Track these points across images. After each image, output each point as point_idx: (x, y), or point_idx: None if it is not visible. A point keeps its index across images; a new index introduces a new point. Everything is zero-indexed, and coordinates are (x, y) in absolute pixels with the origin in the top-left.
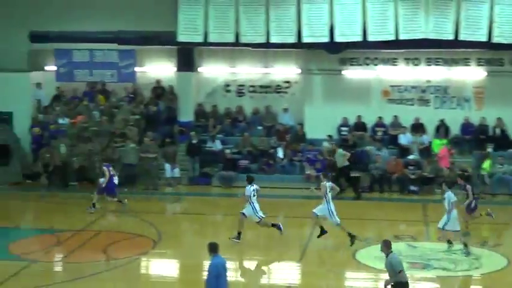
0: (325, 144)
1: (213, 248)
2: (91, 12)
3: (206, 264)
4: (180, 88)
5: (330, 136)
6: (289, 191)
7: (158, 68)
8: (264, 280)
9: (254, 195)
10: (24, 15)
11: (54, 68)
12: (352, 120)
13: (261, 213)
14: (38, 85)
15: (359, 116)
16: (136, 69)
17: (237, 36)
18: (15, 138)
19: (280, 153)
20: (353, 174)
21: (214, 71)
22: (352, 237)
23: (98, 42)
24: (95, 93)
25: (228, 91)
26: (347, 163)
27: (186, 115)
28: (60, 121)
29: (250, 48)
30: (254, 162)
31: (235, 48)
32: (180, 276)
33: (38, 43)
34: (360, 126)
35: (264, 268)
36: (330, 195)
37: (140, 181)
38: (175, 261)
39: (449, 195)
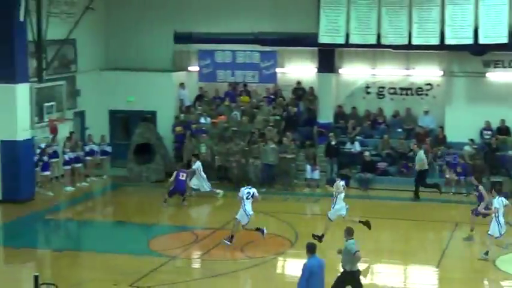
0: (467, 148)
1: (311, 249)
2: (233, 14)
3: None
4: (320, 89)
5: (471, 140)
6: (427, 194)
7: (299, 69)
8: (400, 284)
9: (248, 198)
10: (169, 17)
11: (197, 68)
12: (495, 124)
13: (249, 215)
14: (182, 85)
15: (503, 120)
16: (277, 70)
17: (378, 37)
18: (158, 137)
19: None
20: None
21: (354, 72)
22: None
23: (239, 44)
24: (236, 93)
25: (368, 93)
26: (426, 167)
27: (325, 116)
28: (202, 121)
29: (391, 50)
30: (393, 164)
31: (377, 49)
32: None
33: (181, 44)
34: (503, 130)
35: (401, 272)
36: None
37: (278, 181)
38: None
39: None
